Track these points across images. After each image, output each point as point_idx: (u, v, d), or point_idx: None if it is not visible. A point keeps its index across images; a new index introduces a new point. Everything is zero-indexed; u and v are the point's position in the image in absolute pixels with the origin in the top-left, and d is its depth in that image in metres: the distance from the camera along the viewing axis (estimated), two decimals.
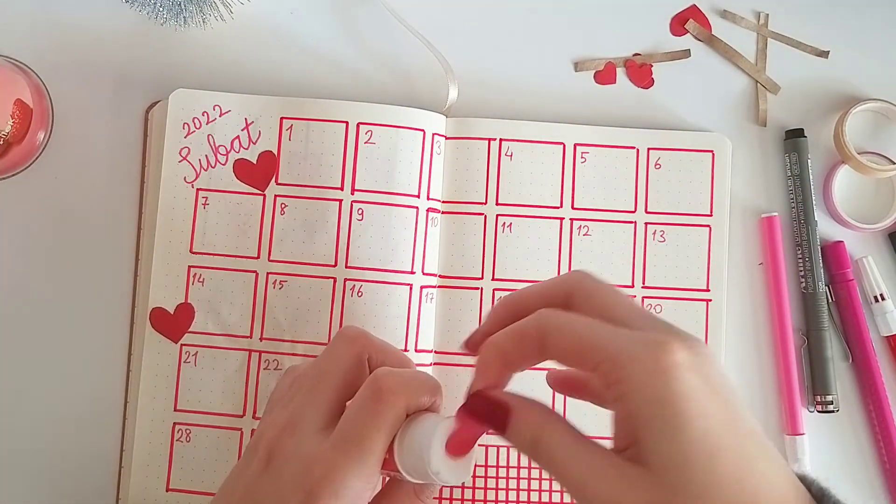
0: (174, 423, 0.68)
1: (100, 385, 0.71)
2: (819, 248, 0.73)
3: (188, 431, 0.68)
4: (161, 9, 0.69)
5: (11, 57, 0.72)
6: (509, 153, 0.72)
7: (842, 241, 0.74)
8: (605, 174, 0.72)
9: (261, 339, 0.69)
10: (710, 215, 0.72)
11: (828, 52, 0.76)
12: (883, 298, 0.73)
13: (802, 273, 0.73)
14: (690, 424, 0.40)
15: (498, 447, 0.70)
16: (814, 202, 0.73)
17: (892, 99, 0.74)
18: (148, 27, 0.73)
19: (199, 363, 0.69)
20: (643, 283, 0.72)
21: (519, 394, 0.46)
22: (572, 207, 0.72)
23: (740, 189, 0.74)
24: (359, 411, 0.50)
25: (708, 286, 0.72)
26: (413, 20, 0.73)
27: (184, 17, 0.70)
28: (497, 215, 0.72)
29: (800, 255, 0.73)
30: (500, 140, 0.72)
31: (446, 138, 0.72)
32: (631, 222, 0.72)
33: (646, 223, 0.72)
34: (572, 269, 0.71)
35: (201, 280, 0.69)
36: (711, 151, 0.72)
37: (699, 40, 0.76)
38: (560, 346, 0.44)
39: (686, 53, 0.76)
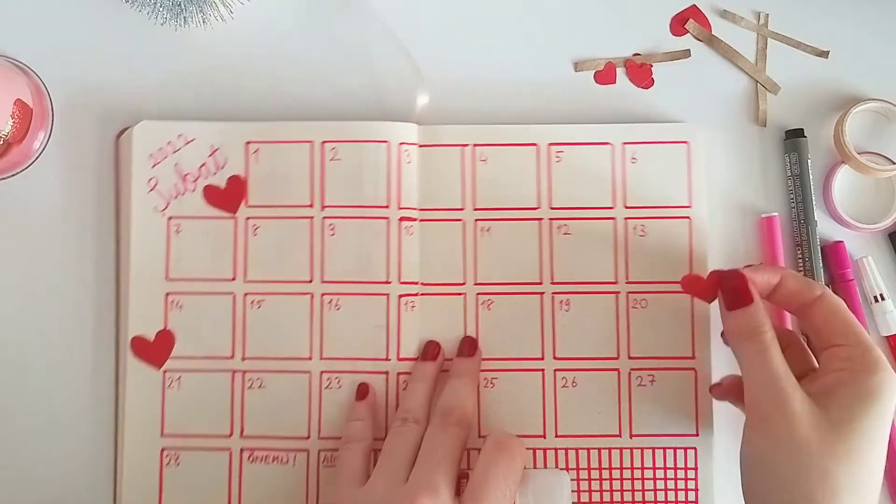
0: (162, 449, 0.70)
1: (90, 414, 0.72)
2: (819, 248, 0.72)
3: (177, 455, 0.70)
4: (161, 9, 0.69)
5: (11, 57, 0.73)
6: (483, 158, 0.71)
7: (842, 242, 0.73)
8: (581, 172, 0.71)
9: (243, 358, 0.70)
10: (690, 206, 0.71)
11: (828, 52, 0.74)
12: (883, 298, 0.72)
13: (803, 273, 0.72)
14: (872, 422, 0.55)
15: None
16: (814, 202, 0.72)
17: (892, 99, 0.72)
18: (148, 27, 0.73)
19: (182, 387, 0.70)
20: (626, 279, 0.71)
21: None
22: (550, 207, 0.71)
23: (740, 189, 0.74)
24: (486, 470, 0.60)
25: None
26: (393, 23, 0.73)
27: (184, 17, 0.70)
28: (475, 220, 0.71)
29: (800, 255, 0.72)
30: (474, 145, 0.71)
31: (419, 146, 0.71)
32: (610, 218, 0.71)
33: (625, 218, 0.71)
34: (555, 269, 0.71)
35: (180, 306, 0.70)
36: (686, 142, 0.71)
37: (699, 40, 0.75)
38: (819, 314, 0.61)
39: (686, 53, 0.75)
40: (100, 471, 0.72)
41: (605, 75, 0.74)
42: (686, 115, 0.74)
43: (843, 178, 0.73)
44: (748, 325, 0.60)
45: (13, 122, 0.68)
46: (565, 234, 0.71)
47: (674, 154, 0.71)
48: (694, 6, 0.75)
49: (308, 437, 0.69)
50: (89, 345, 0.72)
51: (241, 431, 0.70)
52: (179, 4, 0.68)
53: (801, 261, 0.72)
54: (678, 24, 0.74)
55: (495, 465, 0.60)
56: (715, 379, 0.71)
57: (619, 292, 0.71)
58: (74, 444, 0.72)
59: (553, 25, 0.75)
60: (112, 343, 0.72)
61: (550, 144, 0.71)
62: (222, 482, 0.69)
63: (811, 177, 0.72)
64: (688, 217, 0.71)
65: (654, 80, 0.74)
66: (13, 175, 0.72)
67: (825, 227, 0.73)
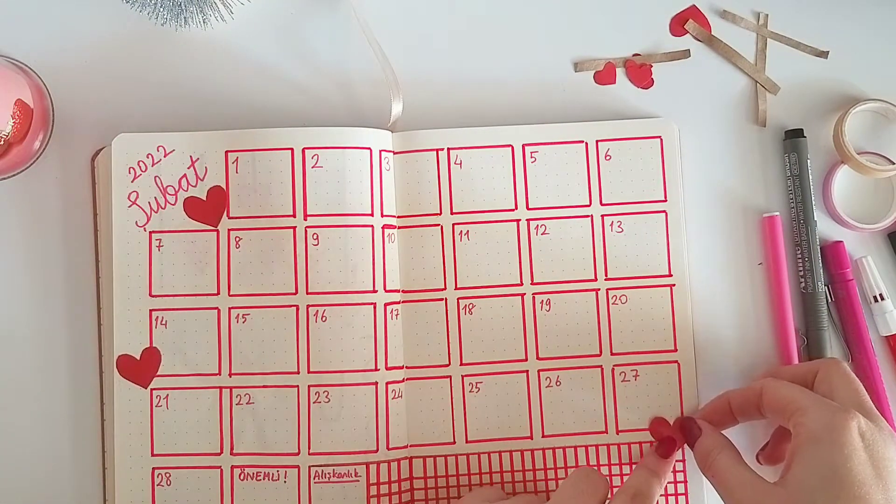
0: (153, 468, 0.68)
1: (75, 436, 0.71)
2: (819, 248, 0.73)
3: (168, 475, 0.68)
4: (161, 9, 0.68)
5: (12, 57, 0.72)
6: (458, 161, 0.72)
7: (841, 241, 0.74)
8: (557, 171, 0.72)
9: (230, 374, 0.69)
10: (665, 200, 0.72)
11: (827, 52, 0.75)
12: (882, 298, 0.73)
13: (802, 273, 0.73)
14: (834, 473, 0.56)
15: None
16: (813, 202, 0.73)
17: (891, 99, 0.73)
18: (148, 28, 0.72)
19: (171, 406, 0.69)
20: (605, 276, 0.72)
21: (711, 427, 0.67)
22: (527, 208, 0.72)
23: (740, 189, 0.75)
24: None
25: (670, 271, 0.72)
26: (374, 27, 0.74)
27: (184, 18, 0.69)
28: (453, 224, 0.71)
29: (799, 256, 0.73)
30: (448, 149, 0.72)
31: (394, 153, 0.71)
32: (587, 216, 0.72)
33: (602, 215, 0.72)
34: (534, 270, 0.72)
35: (164, 323, 0.69)
36: (659, 137, 0.72)
37: (699, 40, 0.76)
38: (768, 401, 0.63)
39: (686, 53, 0.76)
40: (87, 492, 0.71)
41: (605, 75, 0.75)
42: (686, 115, 0.74)
43: (843, 179, 0.74)
44: (698, 454, 0.66)
45: (13, 122, 0.67)
46: (543, 234, 0.72)
47: (647, 149, 0.73)
48: (694, 6, 0.76)
49: (298, 454, 0.68)
50: (70, 366, 0.72)
51: (231, 449, 0.69)
52: (180, 5, 0.68)
53: (800, 261, 0.73)
54: (678, 25, 0.76)
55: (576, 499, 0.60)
56: (701, 370, 0.72)
57: (598, 289, 0.72)
58: (58, 468, 0.71)
59: (553, 26, 0.76)
60: (95, 363, 0.71)
61: (525, 145, 0.72)
62: (215, 501, 0.68)
63: (811, 177, 0.73)
64: (664, 211, 0.72)
65: (653, 81, 0.75)
66: (13, 175, 0.72)
67: (824, 227, 0.74)
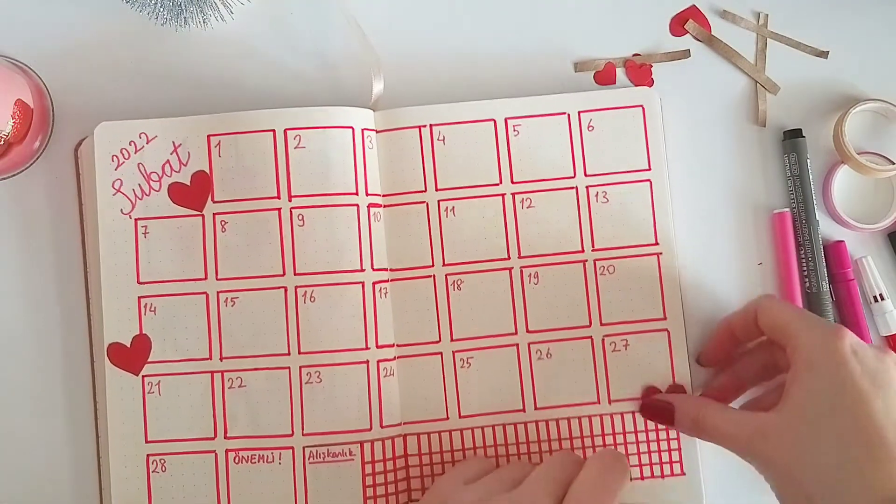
0: (148, 455, 0.68)
1: (69, 427, 0.71)
2: (822, 247, 0.73)
3: (163, 461, 0.68)
4: (161, 9, 0.68)
5: (12, 57, 0.72)
6: (441, 137, 0.72)
7: (842, 241, 0.74)
8: (540, 144, 0.72)
9: (221, 359, 0.69)
10: (649, 169, 0.72)
11: (827, 52, 0.75)
12: (882, 298, 0.73)
13: (806, 273, 0.73)
14: (835, 391, 0.58)
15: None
16: (814, 202, 0.73)
17: (891, 99, 0.73)
18: (148, 28, 0.72)
19: (163, 392, 0.69)
20: (593, 247, 0.72)
21: (680, 395, 0.70)
22: (512, 182, 0.72)
23: (740, 188, 0.75)
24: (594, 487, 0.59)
25: (656, 240, 0.72)
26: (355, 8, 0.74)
27: (184, 18, 0.69)
28: (439, 201, 0.72)
29: (802, 255, 0.73)
30: (431, 126, 0.72)
31: (377, 132, 0.71)
32: (572, 188, 0.72)
33: (587, 186, 0.72)
34: (521, 244, 0.72)
35: (153, 309, 0.69)
36: (641, 106, 0.72)
37: (699, 40, 0.76)
38: (763, 322, 0.65)
39: (686, 53, 0.76)
40: (83, 480, 0.71)
41: (605, 75, 0.75)
42: (686, 115, 0.75)
43: (843, 178, 0.74)
44: (684, 429, 0.69)
45: (13, 122, 0.67)
46: (529, 207, 0.72)
47: (630, 119, 0.73)
48: (694, 6, 0.76)
49: (292, 435, 0.69)
50: (61, 355, 0.72)
51: (225, 433, 0.69)
52: (180, 5, 0.68)
53: (803, 260, 0.73)
54: (678, 25, 0.75)
55: (602, 481, 0.60)
56: (689, 336, 0.72)
57: (586, 260, 0.72)
58: (53, 458, 0.71)
59: (553, 25, 0.75)
60: (85, 352, 0.71)
61: (507, 119, 0.72)
62: (210, 485, 0.68)
63: (811, 177, 0.73)
64: (648, 180, 0.72)
65: (653, 81, 0.75)
66: (13, 175, 0.72)
67: (824, 227, 0.74)
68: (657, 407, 0.69)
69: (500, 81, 0.74)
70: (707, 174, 0.74)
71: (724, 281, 0.74)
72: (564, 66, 0.75)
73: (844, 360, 0.58)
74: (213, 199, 0.70)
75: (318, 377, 0.69)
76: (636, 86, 0.75)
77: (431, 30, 0.75)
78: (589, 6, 0.76)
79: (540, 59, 0.75)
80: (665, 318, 0.72)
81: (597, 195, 0.72)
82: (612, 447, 0.71)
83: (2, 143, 0.66)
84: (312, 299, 0.69)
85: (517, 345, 0.71)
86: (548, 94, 0.73)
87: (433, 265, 0.71)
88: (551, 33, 0.75)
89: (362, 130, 0.70)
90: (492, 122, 0.72)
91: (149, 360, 0.69)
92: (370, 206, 0.70)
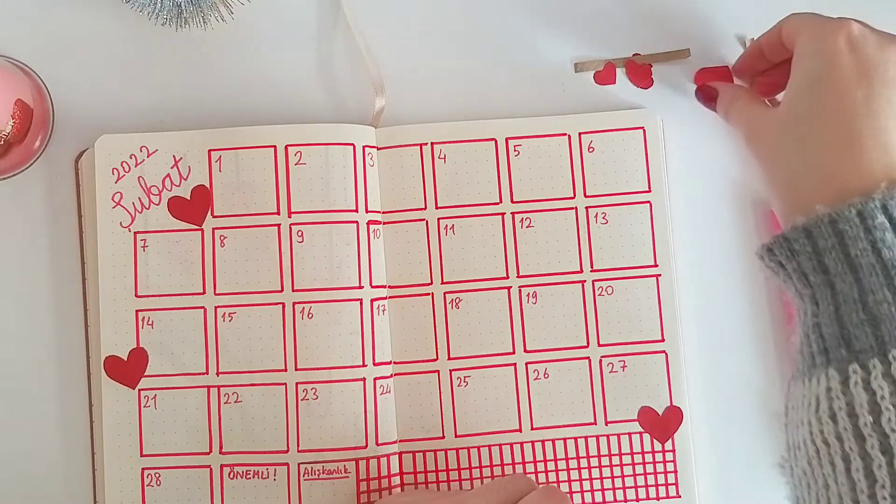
0: (143, 469, 0.68)
1: (65, 439, 0.71)
2: None
3: (158, 475, 0.68)
4: (161, 10, 0.68)
5: (11, 57, 0.72)
6: (442, 156, 0.72)
7: None
8: (541, 164, 0.72)
9: (217, 373, 0.69)
10: (649, 191, 0.72)
11: None
12: None
13: None
14: (816, 79, 0.58)
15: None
16: None
17: None
18: (148, 28, 0.72)
19: (159, 406, 0.69)
20: (591, 267, 0.72)
21: (727, 84, 0.72)
22: (512, 201, 0.72)
23: (740, 188, 0.75)
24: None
25: (656, 261, 0.72)
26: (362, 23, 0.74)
27: (184, 18, 0.69)
28: (439, 219, 0.72)
29: None
30: (432, 144, 0.72)
31: (378, 149, 0.71)
32: (572, 208, 0.72)
33: (587, 207, 0.72)
34: (520, 263, 0.72)
35: (151, 323, 0.69)
36: (642, 128, 0.73)
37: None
38: (787, 30, 0.63)
39: (686, 53, 0.76)
40: (78, 493, 0.70)
41: (605, 75, 0.75)
42: (686, 115, 0.75)
43: None
44: (721, 108, 0.70)
45: (13, 122, 0.67)
46: (528, 227, 0.72)
47: (630, 140, 0.73)
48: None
49: (287, 451, 0.68)
50: (57, 367, 0.72)
51: (221, 447, 0.69)
52: (179, 5, 0.68)
53: None
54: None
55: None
56: (687, 358, 0.72)
57: (584, 281, 0.72)
58: (48, 470, 0.70)
59: (553, 25, 0.76)
60: (82, 364, 0.71)
61: (508, 138, 0.72)
62: (205, 500, 0.68)
63: None
64: (648, 202, 0.72)
65: (653, 80, 0.75)
66: (13, 175, 0.72)
67: None
68: (706, 90, 0.72)
69: (501, 94, 0.75)
70: (707, 173, 0.75)
71: (727, 282, 0.74)
72: (564, 66, 0.75)
73: (831, 51, 0.57)
74: (212, 214, 0.70)
75: (314, 394, 0.69)
76: (636, 86, 0.75)
77: (433, 46, 0.75)
78: (589, 6, 0.76)
79: (540, 59, 0.75)
80: (663, 340, 0.71)
81: (596, 216, 0.72)
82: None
83: (2, 143, 0.66)
84: (310, 315, 0.69)
85: (514, 364, 0.71)
86: (548, 95, 0.74)
87: (432, 283, 0.71)
88: (551, 33, 0.75)
89: (363, 147, 0.70)
90: (493, 142, 0.72)
91: (145, 373, 0.69)
92: (370, 223, 0.70)
